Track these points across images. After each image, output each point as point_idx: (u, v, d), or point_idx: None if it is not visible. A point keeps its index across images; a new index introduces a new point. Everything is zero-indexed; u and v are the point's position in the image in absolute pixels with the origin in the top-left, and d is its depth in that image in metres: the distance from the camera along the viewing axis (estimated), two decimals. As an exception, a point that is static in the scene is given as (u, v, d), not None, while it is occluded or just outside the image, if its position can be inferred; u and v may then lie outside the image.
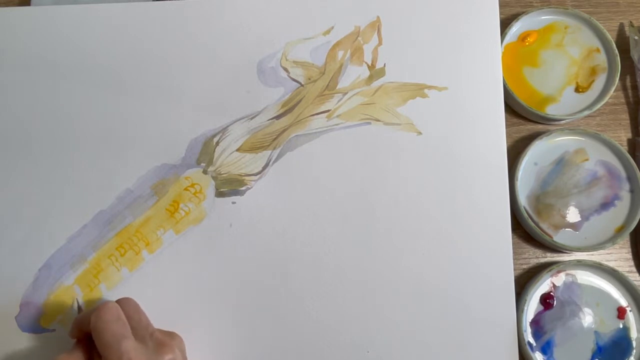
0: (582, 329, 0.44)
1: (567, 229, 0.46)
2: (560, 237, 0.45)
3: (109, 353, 0.35)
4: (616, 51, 0.48)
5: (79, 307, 0.43)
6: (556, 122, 0.48)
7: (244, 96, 0.46)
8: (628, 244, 0.47)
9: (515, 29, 0.49)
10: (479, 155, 0.45)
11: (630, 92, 0.50)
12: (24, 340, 0.43)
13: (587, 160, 0.47)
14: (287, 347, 0.43)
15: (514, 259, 0.44)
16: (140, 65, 0.47)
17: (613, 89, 0.47)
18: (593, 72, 0.48)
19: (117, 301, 0.39)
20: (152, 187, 0.45)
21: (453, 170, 0.45)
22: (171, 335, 0.40)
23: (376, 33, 0.47)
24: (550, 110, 0.48)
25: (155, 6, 0.48)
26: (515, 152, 0.47)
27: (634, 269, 0.46)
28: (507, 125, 0.47)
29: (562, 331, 0.44)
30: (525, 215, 0.45)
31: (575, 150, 0.47)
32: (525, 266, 0.46)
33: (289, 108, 0.46)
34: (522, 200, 0.46)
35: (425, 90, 0.46)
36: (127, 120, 0.46)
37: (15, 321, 0.43)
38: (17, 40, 0.47)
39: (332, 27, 0.47)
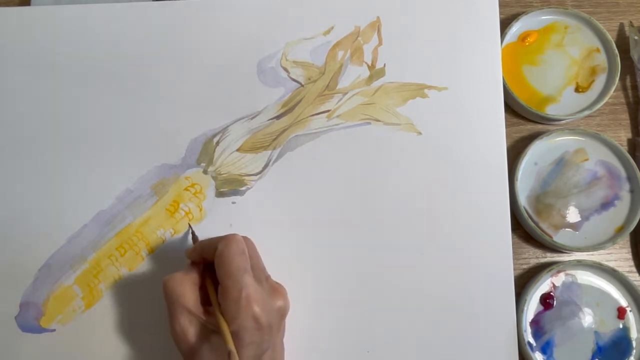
0: (582, 329, 0.44)
1: (567, 229, 0.46)
2: (560, 237, 0.45)
3: (230, 283, 0.35)
4: (616, 51, 0.48)
5: (194, 234, 0.43)
6: (556, 122, 0.48)
7: (244, 96, 0.46)
8: (628, 244, 0.47)
9: (515, 29, 0.49)
10: (479, 155, 0.45)
11: (630, 92, 0.50)
12: (24, 340, 0.43)
13: (587, 160, 0.47)
14: (286, 346, 0.43)
15: (514, 259, 0.44)
16: (140, 65, 0.47)
17: (613, 89, 0.47)
18: (593, 72, 0.48)
19: None
20: (152, 187, 0.45)
21: (453, 170, 0.45)
22: (281, 285, 0.40)
23: (376, 33, 0.47)
24: (550, 110, 0.47)
25: (155, 6, 0.48)
26: (515, 152, 0.47)
27: (634, 269, 0.46)
28: (507, 125, 0.47)
29: (562, 331, 0.44)
30: (525, 215, 0.45)
31: (575, 150, 0.47)
32: (525, 266, 0.46)
33: (289, 108, 0.46)
34: (522, 200, 0.46)
35: (425, 90, 0.46)
36: (127, 120, 0.46)
37: (15, 321, 0.43)
38: (17, 40, 0.47)
39: (332, 27, 0.47)
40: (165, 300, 0.38)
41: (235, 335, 0.35)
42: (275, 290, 0.39)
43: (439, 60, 0.47)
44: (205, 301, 0.38)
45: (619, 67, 0.48)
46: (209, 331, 0.37)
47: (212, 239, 0.39)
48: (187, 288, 0.37)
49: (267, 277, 0.40)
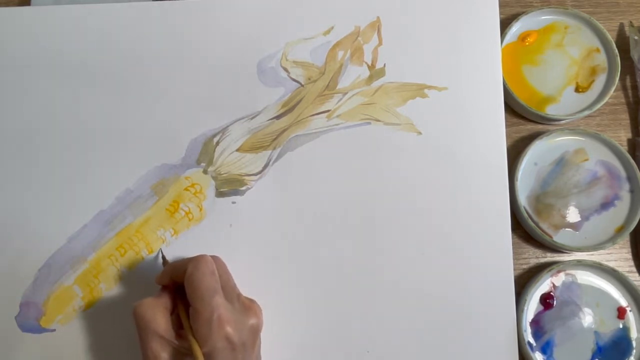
0: (582, 329, 0.44)
1: (567, 229, 0.46)
2: (560, 237, 0.45)
3: (200, 305, 0.35)
4: (616, 51, 0.48)
5: (164, 257, 0.43)
6: (556, 122, 0.48)
7: (244, 96, 0.46)
8: (628, 244, 0.47)
9: (515, 29, 0.49)
10: (479, 155, 0.45)
11: (630, 92, 0.50)
12: (24, 340, 0.43)
13: (587, 160, 0.47)
14: (285, 347, 0.43)
15: (514, 259, 0.44)
16: (140, 65, 0.47)
17: (613, 89, 0.47)
18: (593, 72, 0.48)
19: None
20: (152, 187, 0.45)
21: (453, 170, 0.45)
22: (254, 301, 0.40)
23: (376, 33, 0.47)
24: (550, 110, 0.48)
25: (155, 6, 0.48)
26: (515, 152, 0.47)
27: (634, 269, 0.46)
28: (507, 125, 0.47)
29: (562, 331, 0.44)
30: (525, 215, 0.45)
31: (575, 150, 0.47)
32: (525, 266, 0.46)
33: (289, 108, 0.46)
34: (522, 200, 0.46)
35: (425, 90, 0.46)
36: (127, 120, 0.46)
37: (15, 321, 0.43)
38: (17, 40, 0.47)
39: (332, 27, 0.47)
40: (136, 327, 0.37)
41: (208, 357, 0.35)
42: (247, 307, 0.39)
43: (439, 60, 0.47)
44: (180, 325, 0.38)
45: (619, 67, 0.48)
46: (182, 355, 0.36)
47: (181, 260, 0.39)
48: (157, 313, 0.37)
49: (239, 295, 0.40)
